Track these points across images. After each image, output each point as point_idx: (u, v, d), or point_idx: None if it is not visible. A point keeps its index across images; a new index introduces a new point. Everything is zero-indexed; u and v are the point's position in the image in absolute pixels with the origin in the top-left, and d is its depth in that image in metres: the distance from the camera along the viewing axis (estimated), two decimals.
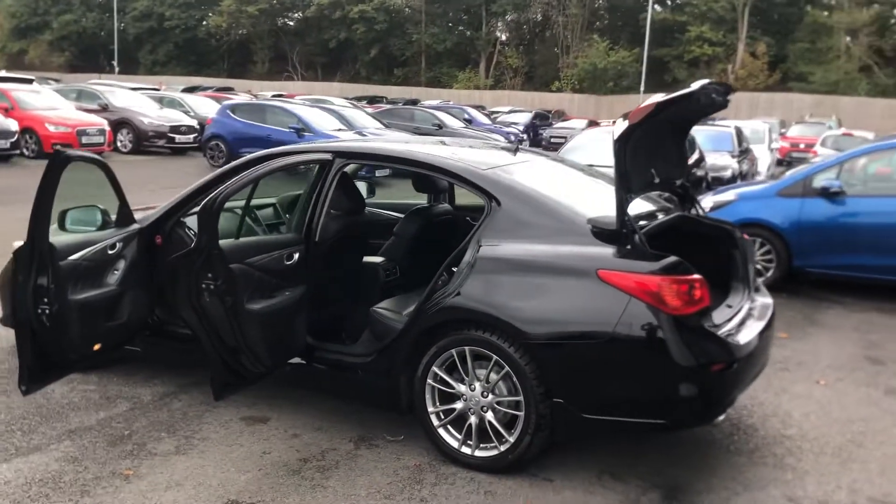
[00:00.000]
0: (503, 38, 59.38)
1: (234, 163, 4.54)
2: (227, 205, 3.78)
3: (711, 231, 4.47)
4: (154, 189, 12.82)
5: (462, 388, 3.71)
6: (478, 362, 3.67)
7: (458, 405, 3.73)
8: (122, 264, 4.26)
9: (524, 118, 33.72)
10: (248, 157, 4.51)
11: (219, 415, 4.34)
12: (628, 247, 3.50)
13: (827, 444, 4.23)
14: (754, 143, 17.32)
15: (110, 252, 4.19)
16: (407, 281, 4.65)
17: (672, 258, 3.46)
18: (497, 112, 35.87)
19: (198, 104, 22.00)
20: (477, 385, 3.67)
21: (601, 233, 3.57)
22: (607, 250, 3.50)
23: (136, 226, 4.39)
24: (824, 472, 3.90)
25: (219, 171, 4.58)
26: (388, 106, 27.56)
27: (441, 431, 3.78)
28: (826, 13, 47.26)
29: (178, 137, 19.23)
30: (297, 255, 4.03)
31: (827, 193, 7.11)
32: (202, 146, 17.76)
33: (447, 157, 4.15)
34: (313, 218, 4.14)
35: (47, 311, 3.76)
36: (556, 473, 3.71)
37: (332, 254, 4.31)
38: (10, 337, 4.39)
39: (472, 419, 3.70)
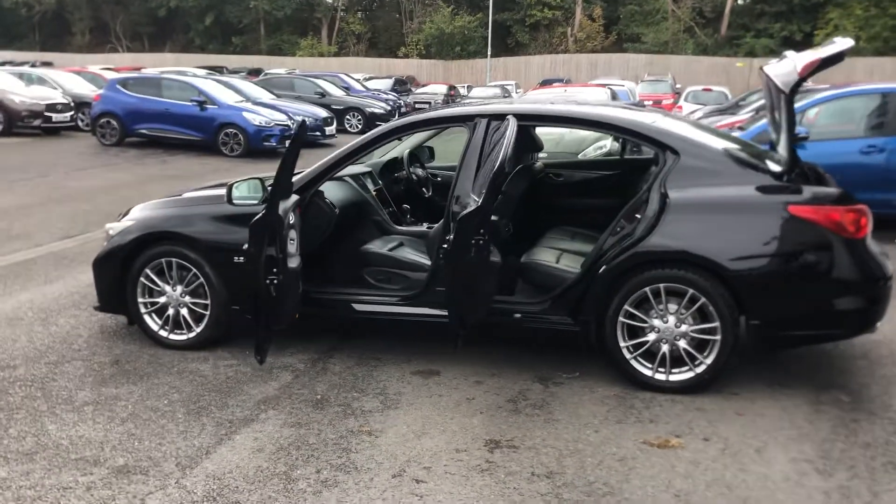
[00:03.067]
0: (343, 3, 58.55)
1: (384, 129, 4.66)
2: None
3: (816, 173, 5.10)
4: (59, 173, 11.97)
5: (655, 321, 4.15)
6: (669, 297, 4.12)
7: (651, 337, 4.18)
8: (294, 234, 4.31)
9: (385, 85, 33.79)
10: (401, 122, 4.65)
11: (387, 372, 4.53)
12: (804, 184, 4.07)
13: None
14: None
15: (290, 223, 4.24)
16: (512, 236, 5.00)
17: (838, 190, 4.07)
18: (355, 79, 35.66)
19: (65, 81, 20.44)
20: (670, 317, 4.12)
21: (778, 174, 4.11)
22: (790, 188, 4.05)
23: (295, 197, 4.43)
24: None
25: (359, 141, 4.68)
26: (268, 76, 26.75)
27: (633, 363, 4.22)
28: None
29: (54, 116, 17.88)
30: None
31: (796, 140, 8.06)
32: (92, 124, 16.67)
33: (620, 116, 4.53)
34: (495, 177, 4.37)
35: (275, 282, 3.80)
36: (736, 388, 4.25)
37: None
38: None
39: (665, 348, 4.16)
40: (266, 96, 18.71)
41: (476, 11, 50.13)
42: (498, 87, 34.59)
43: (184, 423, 3.88)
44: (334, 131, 19.04)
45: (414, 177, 5.95)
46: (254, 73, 34.26)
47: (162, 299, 4.85)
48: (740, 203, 4.04)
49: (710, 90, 22.03)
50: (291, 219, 4.30)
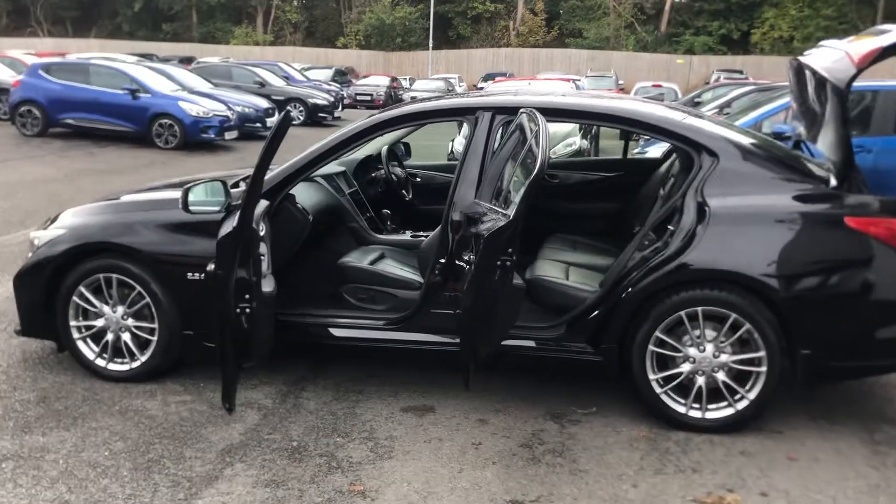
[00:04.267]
0: None
1: (369, 123, 3.98)
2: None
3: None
4: None
5: (690, 350, 3.58)
6: (707, 321, 3.56)
7: (684, 368, 3.60)
8: (265, 248, 3.60)
9: (325, 75, 32.77)
10: (388, 115, 3.96)
11: (372, 409, 3.86)
12: (855, 193, 3.55)
13: None
14: None
15: (262, 235, 3.52)
16: None
17: (887, 199, 3.55)
18: (295, 69, 34.51)
19: None
20: (708, 345, 3.56)
21: (825, 180, 3.58)
22: (843, 197, 3.52)
23: (265, 202, 3.71)
24: None
25: (338, 136, 3.98)
26: (201, 65, 25.41)
27: (664, 398, 3.64)
28: None
29: None
30: None
31: (781, 138, 7.65)
32: (11, 113, 15.35)
33: (647, 111, 3.93)
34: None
35: (248, 310, 3.08)
36: (776, 423, 3.72)
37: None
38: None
39: (700, 381, 3.59)
40: (203, 85, 17.62)
41: (417, 2, 49.33)
42: (441, 79, 33.98)
43: (131, 484, 3.13)
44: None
45: (393, 177, 5.26)
46: (186, 61, 32.85)
47: (99, 322, 4.08)
48: (790, 214, 3.49)
49: (659, 86, 21.81)
50: (262, 229, 3.58)
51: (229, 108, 15.60)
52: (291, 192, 4.03)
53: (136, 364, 4.08)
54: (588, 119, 4.50)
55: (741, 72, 35.02)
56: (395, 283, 4.12)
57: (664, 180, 4.70)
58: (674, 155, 4.81)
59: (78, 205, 4.45)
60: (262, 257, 3.47)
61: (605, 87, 26.36)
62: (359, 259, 4.28)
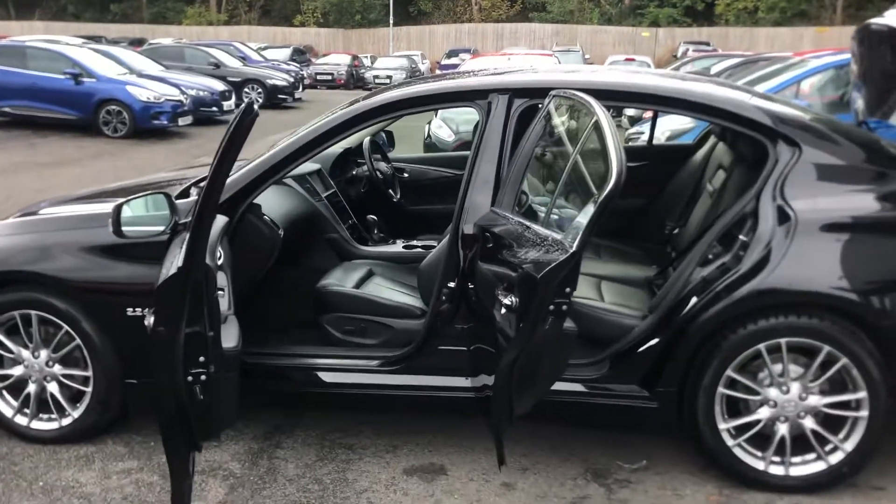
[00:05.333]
0: None
1: (355, 111, 3.15)
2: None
3: None
4: None
5: (770, 391, 2.84)
6: (791, 355, 2.82)
7: (763, 413, 2.86)
8: (224, 280, 2.77)
9: (283, 55, 31.55)
10: (379, 102, 3.13)
11: (368, 472, 3.07)
12: None
13: None
14: None
15: (219, 263, 2.68)
16: None
17: None
18: (252, 49, 33.18)
19: None
20: (793, 385, 2.82)
21: None
22: None
23: (223, 219, 2.88)
24: None
25: (315, 129, 3.16)
26: (153, 46, 24.04)
27: (737, 451, 2.90)
28: None
29: None
30: None
31: None
32: None
33: (705, 91, 3.13)
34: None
35: (203, 378, 2.25)
36: (873, 477, 3.00)
37: None
38: None
39: (783, 429, 2.86)
40: (153, 68, 16.45)
41: None
42: (404, 57, 32.94)
43: None
44: (233, 106, 17.00)
45: (377, 174, 4.43)
46: (136, 43, 31.43)
47: (16, 370, 3.23)
48: None
49: (632, 60, 21.11)
50: (219, 256, 2.75)
51: (182, 92, 14.53)
52: (256, 201, 3.20)
53: (66, 421, 3.24)
54: (642, 103, 3.69)
55: (708, 43, 34.51)
56: (390, 311, 3.32)
57: (703, 172, 3.95)
58: (711, 140, 4.06)
59: (16, 205, 3.55)
60: (220, 294, 2.64)
61: (572, 63, 25.78)
62: (342, 280, 3.47)
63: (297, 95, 21.61)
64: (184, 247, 2.21)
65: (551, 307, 2.13)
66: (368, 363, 3.14)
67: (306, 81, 26.54)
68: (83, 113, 13.53)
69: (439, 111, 8.04)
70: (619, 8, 45.44)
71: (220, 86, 16.85)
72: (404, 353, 3.11)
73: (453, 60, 31.67)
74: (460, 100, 3.22)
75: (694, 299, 2.84)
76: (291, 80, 21.53)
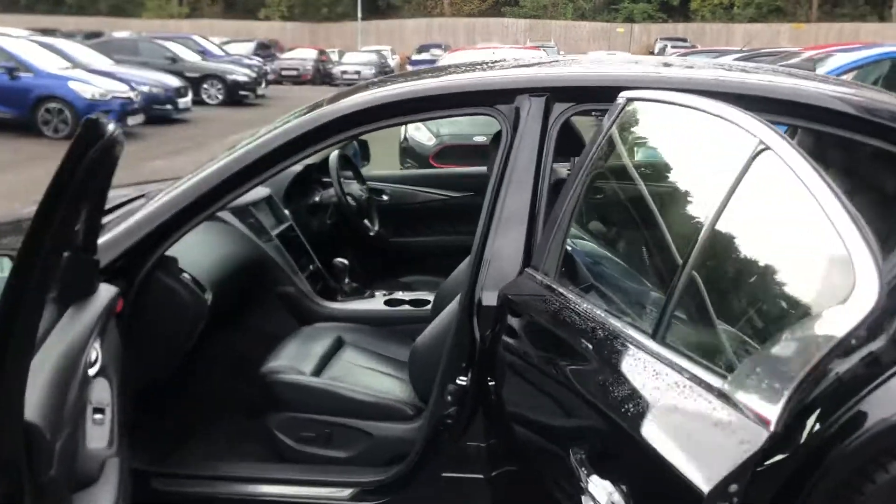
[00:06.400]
0: None
1: (327, 116, 2.12)
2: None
3: None
4: None
5: None
6: None
7: None
8: (105, 392, 1.73)
9: (247, 49, 30.27)
10: (360, 103, 2.09)
11: None
12: None
13: None
14: None
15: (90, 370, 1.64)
16: None
17: None
18: (213, 43, 31.88)
19: None
20: None
21: None
22: None
23: (112, 289, 1.83)
24: None
25: (262, 142, 2.13)
26: (107, 39, 22.70)
27: None
28: None
29: None
30: None
31: None
32: None
33: (809, 89, 2.12)
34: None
35: None
36: None
37: None
38: None
39: None
40: (102, 62, 15.23)
41: None
42: (373, 52, 31.89)
43: None
44: (189, 104, 15.87)
45: (348, 199, 3.37)
46: (92, 36, 30.00)
47: None
48: None
49: (614, 55, 20.31)
50: (96, 357, 1.71)
51: (133, 89, 13.33)
52: (170, 252, 2.15)
53: None
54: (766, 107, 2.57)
55: (685, 40, 33.92)
56: (367, 410, 2.29)
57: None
58: None
59: None
60: (98, 419, 1.60)
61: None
62: (297, 359, 2.42)
63: (259, 92, 20.59)
64: None
65: None
66: (336, 493, 2.12)
67: (270, 77, 25.47)
68: (19, 111, 12.31)
69: None
70: (594, 3, 44.83)
71: (175, 82, 15.67)
72: (389, 477, 2.10)
73: (424, 56, 30.78)
74: (471, 104, 2.14)
75: (828, 409, 1.85)
76: (253, 75, 20.43)
